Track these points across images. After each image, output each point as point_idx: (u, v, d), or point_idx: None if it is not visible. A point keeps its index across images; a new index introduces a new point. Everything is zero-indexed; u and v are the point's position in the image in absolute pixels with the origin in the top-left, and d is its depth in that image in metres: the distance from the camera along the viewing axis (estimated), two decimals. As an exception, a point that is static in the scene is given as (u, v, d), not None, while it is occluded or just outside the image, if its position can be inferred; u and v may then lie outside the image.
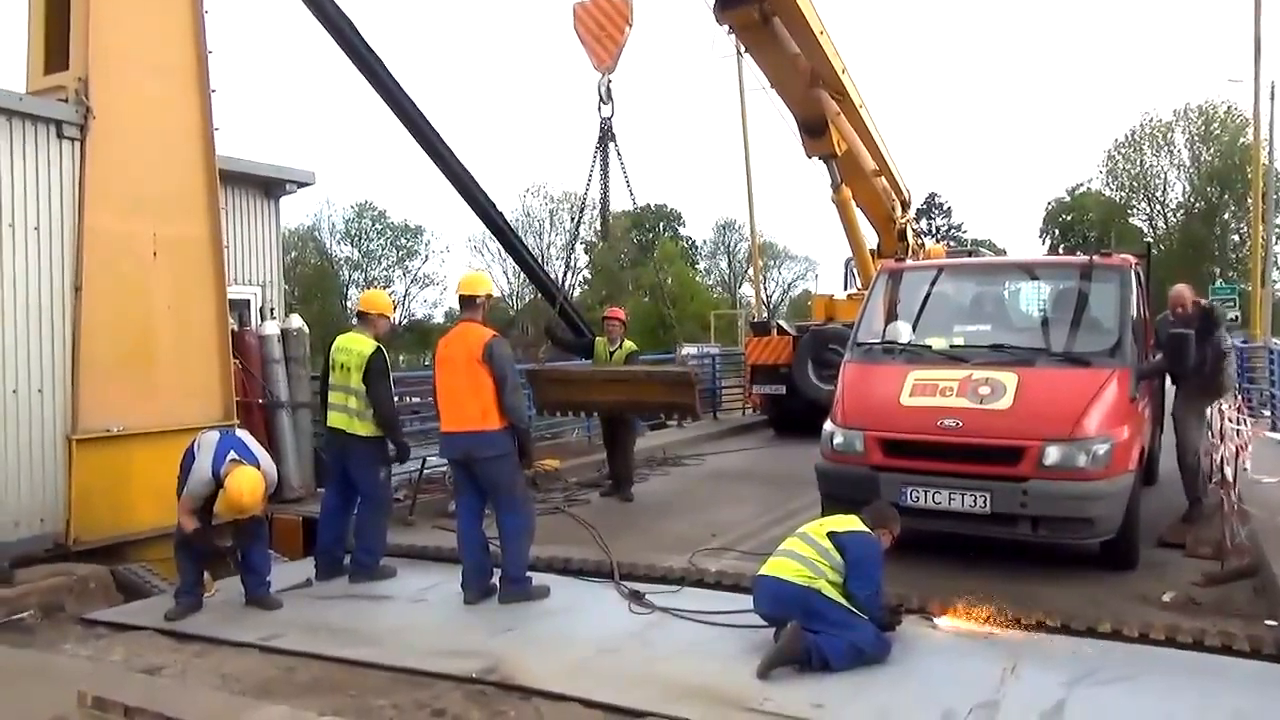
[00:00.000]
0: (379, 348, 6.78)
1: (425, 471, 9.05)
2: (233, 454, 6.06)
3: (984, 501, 6.07)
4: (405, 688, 4.87)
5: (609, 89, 9.17)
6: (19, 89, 7.82)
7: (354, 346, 6.75)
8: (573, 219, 10.72)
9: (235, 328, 9.10)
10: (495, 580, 6.29)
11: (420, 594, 6.46)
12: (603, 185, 9.26)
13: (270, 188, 10.63)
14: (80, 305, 7.52)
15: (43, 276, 7.41)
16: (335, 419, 6.82)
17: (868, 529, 5.21)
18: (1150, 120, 55.62)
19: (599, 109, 9.19)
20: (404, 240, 61.08)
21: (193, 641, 5.63)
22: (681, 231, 66.77)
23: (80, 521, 7.38)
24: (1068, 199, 60.12)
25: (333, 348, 6.90)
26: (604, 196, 9.40)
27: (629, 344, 9.48)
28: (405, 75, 10.13)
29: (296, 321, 9.56)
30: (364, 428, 6.75)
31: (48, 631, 5.95)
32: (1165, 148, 55.86)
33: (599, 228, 10.96)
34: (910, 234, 15.91)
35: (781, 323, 16.21)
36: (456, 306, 6.68)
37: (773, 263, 61.51)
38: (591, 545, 7.24)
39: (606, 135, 9.16)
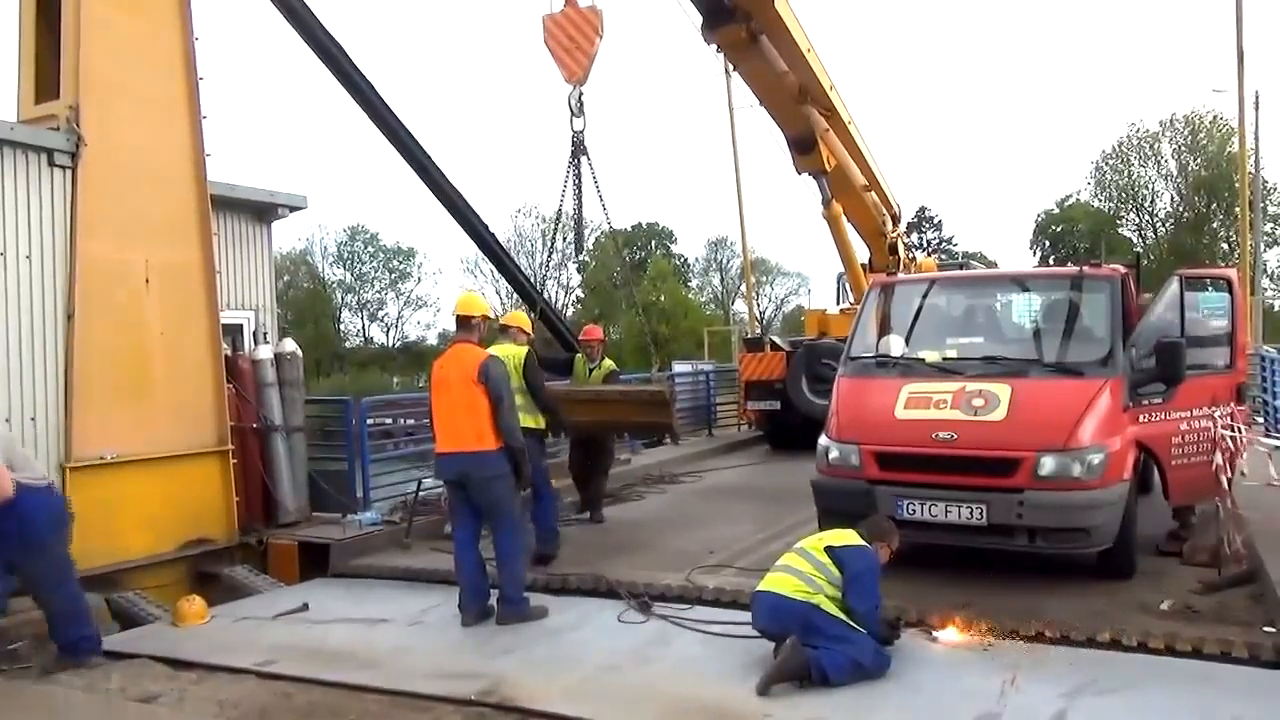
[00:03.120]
0: (530, 349, 7.58)
1: (421, 493, 9.02)
2: None
3: (980, 513, 6.08)
4: (404, 711, 4.86)
5: (581, 102, 9.10)
6: (10, 118, 7.84)
7: (508, 354, 7.24)
8: (562, 237, 10.71)
9: (229, 352, 9.09)
10: (493, 601, 6.27)
11: (418, 616, 6.44)
12: (576, 201, 9.21)
13: (262, 212, 10.64)
14: (73, 333, 7.51)
15: (35, 304, 7.40)
16: None
17: (865, 543, 5.21)
18: (1137, 131, 56.07)
19: (571, 123, 9.11)
20: (396, 263, 61.19)
21: (189, 668, 5.59)
22: (674, 249, 66.99)
23: (74, 549, 7.31)
24: (1057, 210, 60.44)
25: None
26: (578, 212, 9.36)
27: (608, 362, 9.38)
28: (396, 98, 10.17)
29: (290, 345, 9.53)
30: (531, 420, 7.30)
31: (42, 662, 5.90)
32: (1153, 158, 56.26)
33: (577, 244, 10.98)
34: (901, 248, 15.95)
35: (775, 338, 16.21)
36: (450, 328, 6.76)
37: (765, 279, 61.71)
38: (589, 564, 7.22)
39: (579, 149, 9.11)
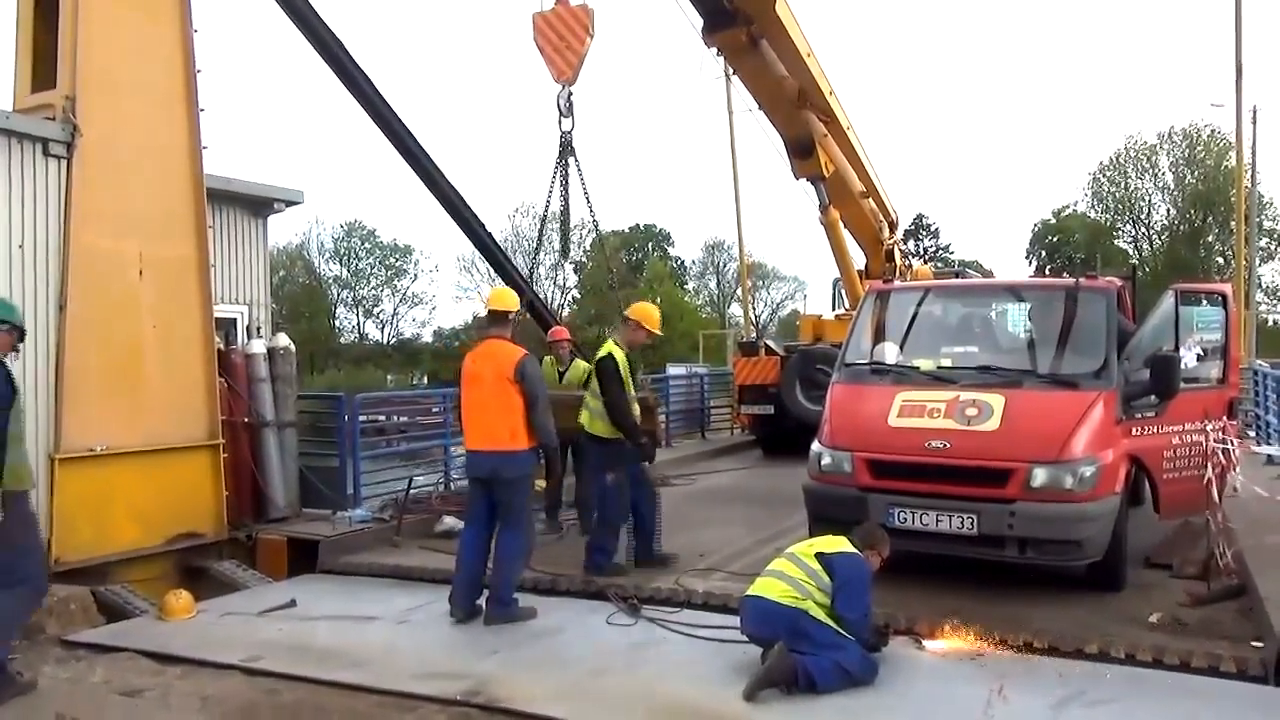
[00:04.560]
0: (610, 353, 6.94)
1: (411, 492, 9.00)
2: None
3: (971, 523, 6.07)
4: (390, 710, 4.84)
5: (570, 102, 8.99)
6: (5, 107, 7.80)
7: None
8: (563, 235, 10.62)
9: (221, 346, 9.06)
10: (482, 601, 6.25)
11: (406, 615, 6.42)
12: (563, 201, 9.12)
13: (259, 206, 10.61)
14: (65, 324, 7.48)
15: (27, 294, 7.36)
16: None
17: (856, 550, 5.21)
18: (1135, 143, 56.22)
19: (559, 123, 9.01)
20: (393, 259, 61.05)
21: (175, 663, 5.57)
22: (671, 251, 67.01)
23: (62, 542, 7.30)
24: (1053, 221, 60.58)
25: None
26: (564, 213, 9.27)
27: (582, 364, 8.97)
28: (395, 95, 10.12)
29: (283, 340, 9.52)
30: (601, 428, 6.97)
31: (27, 653, 5.86)
32: (1149, 170, 56.41)
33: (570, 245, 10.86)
34: (898, 255, 15.96)
35: (770, 343, 16.20)
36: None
37: (761, 283, 61.66)
38: (578, 565, 7.20)
39: (566, 150, 9.00)
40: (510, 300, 6.54)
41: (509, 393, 6.07)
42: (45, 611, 6.31)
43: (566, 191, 9.07)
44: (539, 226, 9.91)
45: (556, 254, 46.17)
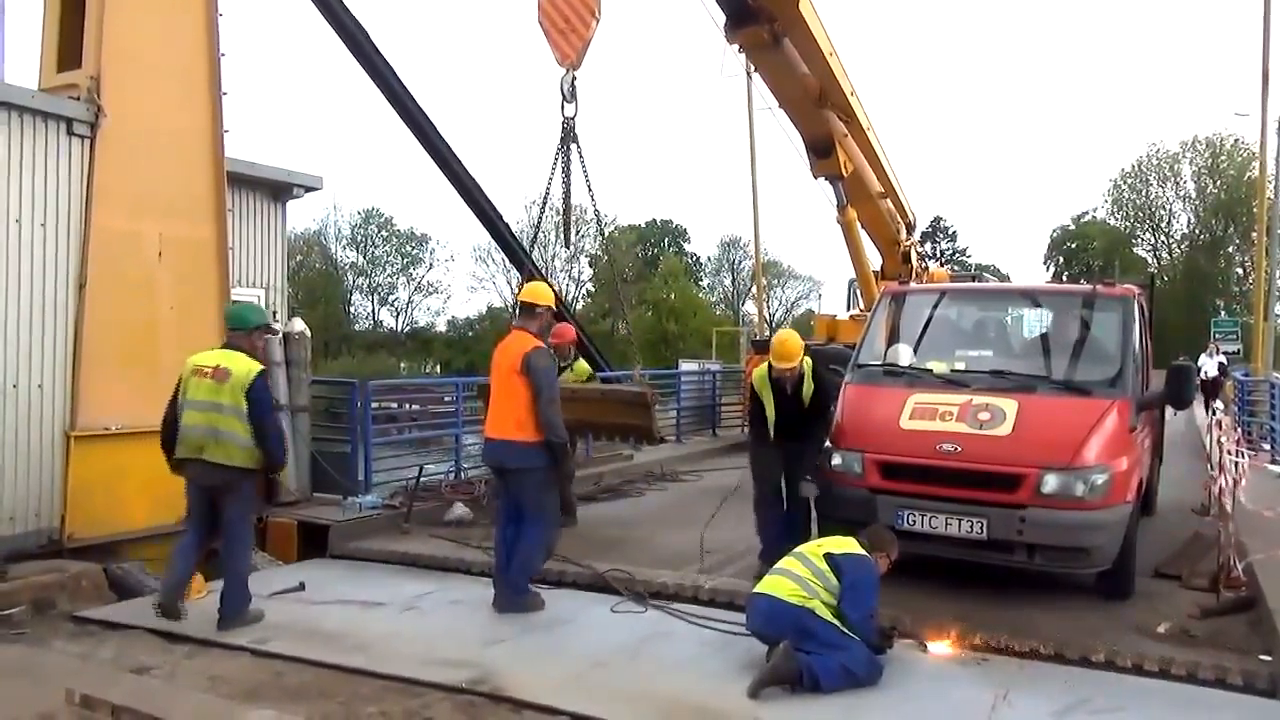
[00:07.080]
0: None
1: (422, 479, 9.03)
2: None
3: (981, 527, 6.05)
4: (395, 696, 4.86)
5: (573, 87, 8.77)
6: (31, 85, 7.86)
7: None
8: (565, 225, 10.41)
9: (237, 329, 9.09)
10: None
11: (413, 602, 6.45)
12: (564, 189, 8.94)
13: (278, 191, 10.63)
14: (84, 302, 7.54)
15: (47, 272, 7.43)
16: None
17: (865, 551, 5.20)
18: (1157, 151, 55.96)
19: (562, 108, 8.77)
20: (409, 248, 61.24)
21: (183, 642, 5.61)
22: (686, 247, 66.96)
23: (76, 518, 7.37)
24: (1073, 227, 60.27)
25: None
26: (565, 201, 9.13)
27: (584, 366, 9.03)
28: (414, 84, 10.15)
29: (299, 325, 9.55)
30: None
31: (38, 628, 5.93)
32: (1171, 179, 56.11)
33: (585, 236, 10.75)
34: (914, 257, 15.89)
35: (783, 341, 16.13)
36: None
37: (776, 281, 61.63)
38: (586, 558, 7.21)
39: (568, 136, 8.82)
40: (537, 294, 6.50)
41: (517, 384, 6.10)
42: (57, 587, 6.39)
43: (568, 179, 8.93)
44: (538, 213, 9.73)
45: (573, 248, 46.08)
